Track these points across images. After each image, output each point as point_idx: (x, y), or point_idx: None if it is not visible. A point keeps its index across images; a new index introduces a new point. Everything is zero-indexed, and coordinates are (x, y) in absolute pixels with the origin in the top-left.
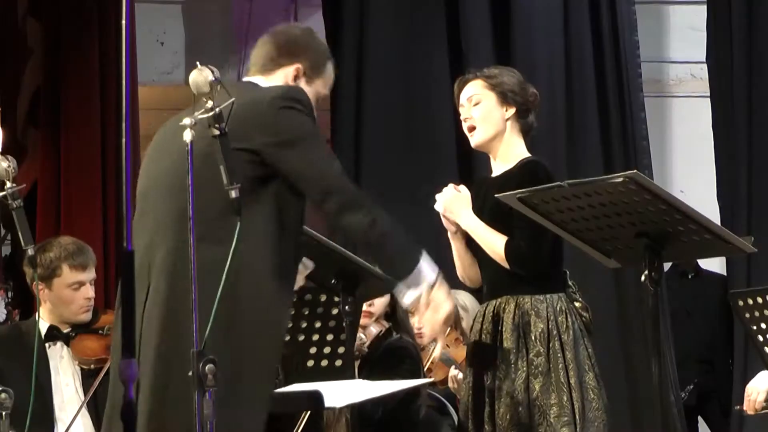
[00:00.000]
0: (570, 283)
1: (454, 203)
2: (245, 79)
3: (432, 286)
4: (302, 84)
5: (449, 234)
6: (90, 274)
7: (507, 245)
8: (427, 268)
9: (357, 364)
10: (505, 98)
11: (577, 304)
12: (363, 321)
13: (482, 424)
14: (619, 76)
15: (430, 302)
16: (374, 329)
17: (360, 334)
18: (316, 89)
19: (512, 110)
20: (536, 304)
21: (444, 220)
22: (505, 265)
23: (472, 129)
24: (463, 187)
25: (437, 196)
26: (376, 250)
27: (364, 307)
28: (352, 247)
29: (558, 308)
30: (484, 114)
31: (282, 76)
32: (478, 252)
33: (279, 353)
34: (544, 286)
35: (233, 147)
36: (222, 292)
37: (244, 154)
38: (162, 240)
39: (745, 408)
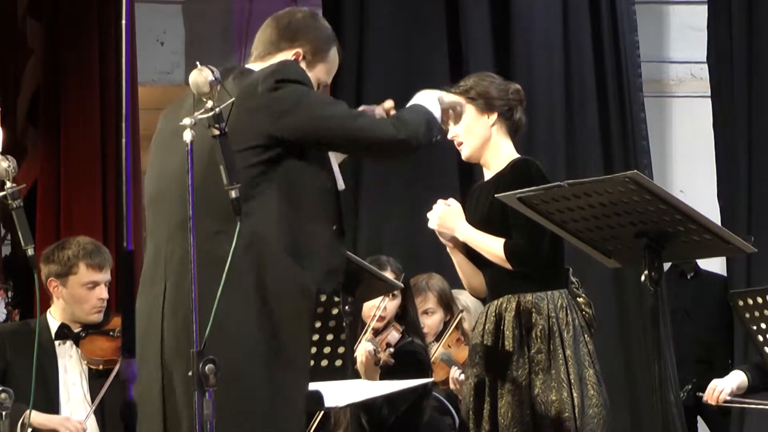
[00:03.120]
0: (573, 279)
1: (447, 218)
2: (247, 66)
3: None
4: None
5: (448, 249)
6: (105, 276)
7: (506, 246)
8: (431, 104)
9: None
10: (485, 106)
11: (580, 300)
12: (377, 325)
13: (482, 423)
14: (619, 76)
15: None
16: (396, 335)
17: (388, 341)
18: (316, 75)
19: (494, 116)
20: (537, 301)
21: (440, 237)
22: (507, 266)
23: (460, 144)
24: (452, 201)
25: (429, 215)
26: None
27: (374, 311)
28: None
29: (559, 305)
30: (467, 128)
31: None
32: (478, 256)
33: (310, 319)
34: (545, 283)
35: (241, 137)
36: (251, 277)
37: (253, 140)
38: (182, 238)
39: (705, 398)
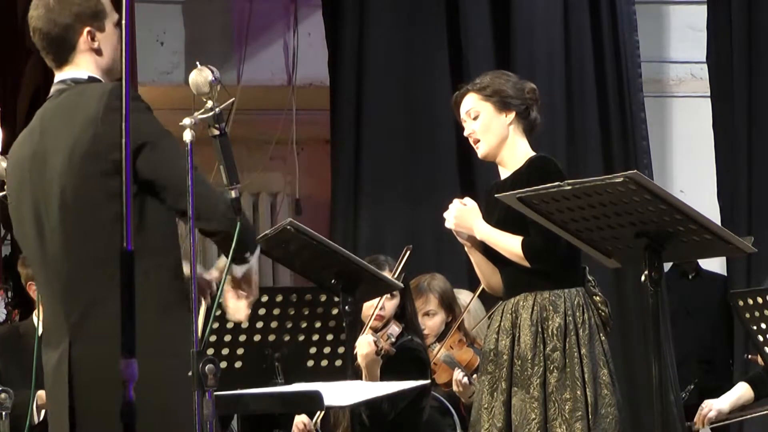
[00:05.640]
0: (589, 278)
1: (464, 217)
2: (60, 77)
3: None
4: (99, 37)
5: (466, 249)
6: None
7: (523, 244)
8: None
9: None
10: (503, 105)
11: (596, 299)
12: (374, 324)
13: (494, 420)
14: (619, 76)
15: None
16: (396, 329)
17: (389, 333)
18: (111, 25)
19: (512, 115)
20: (554, 299)
21: (458, 237)
22: (525, 264)
23: (477, 141)
24: (468, 200)
25: (445, 215)
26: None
27: (373, 310)
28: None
29: (576, 303)
30: (485, 125)
31: (85, 55)
32: (495, 254)
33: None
34: (562, 280)
35: (88, 170)
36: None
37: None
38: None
39: (695, 421)
